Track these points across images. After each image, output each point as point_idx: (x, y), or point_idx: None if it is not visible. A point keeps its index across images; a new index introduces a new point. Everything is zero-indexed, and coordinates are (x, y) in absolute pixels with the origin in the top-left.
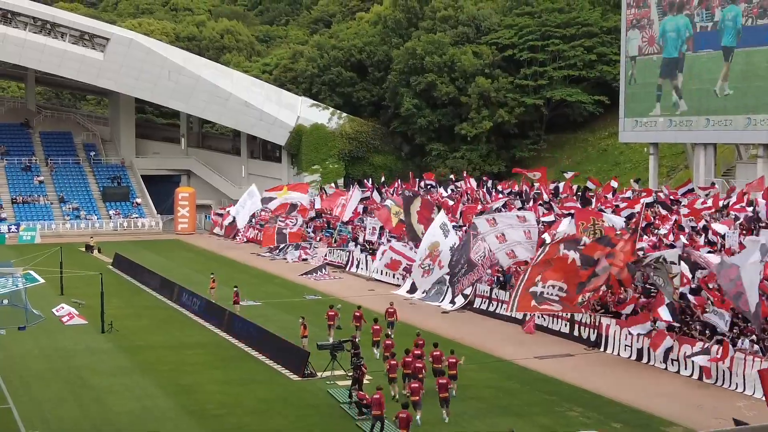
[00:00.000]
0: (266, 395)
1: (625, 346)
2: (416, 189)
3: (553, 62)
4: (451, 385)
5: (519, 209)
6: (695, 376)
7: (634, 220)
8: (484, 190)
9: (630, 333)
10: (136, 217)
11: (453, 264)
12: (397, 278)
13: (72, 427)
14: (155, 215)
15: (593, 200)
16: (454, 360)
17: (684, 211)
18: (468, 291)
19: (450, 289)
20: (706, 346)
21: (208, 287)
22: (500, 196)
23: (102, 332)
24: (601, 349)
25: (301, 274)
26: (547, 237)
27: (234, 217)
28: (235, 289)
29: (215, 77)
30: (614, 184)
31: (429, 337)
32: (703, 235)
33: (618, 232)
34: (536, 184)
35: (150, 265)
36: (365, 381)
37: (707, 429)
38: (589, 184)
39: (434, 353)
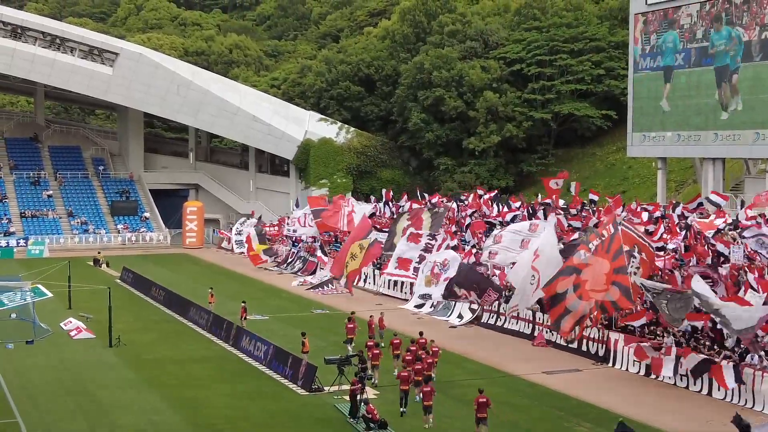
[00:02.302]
0: (273, 409)
1: (634, 361)
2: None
3: (561, 77)
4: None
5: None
6: (704, 391)
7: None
8: (491, 203)
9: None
10: (144, 231)
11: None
12: (405, 293)
13: None
14: (163, 229)
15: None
16: (436, 349)
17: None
18: (476, 306)
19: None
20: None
21: (207, 301)
22: (507, 210)
23: (110, 346)
24: (610, 364)
25: (308, 288)
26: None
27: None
28: (243, 304)
29: (223, 91)
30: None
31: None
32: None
33: (584, 255)
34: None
35: (158, 279)
36: (372, 396)
37: None
38: (592, 197)
39: (420, 341)
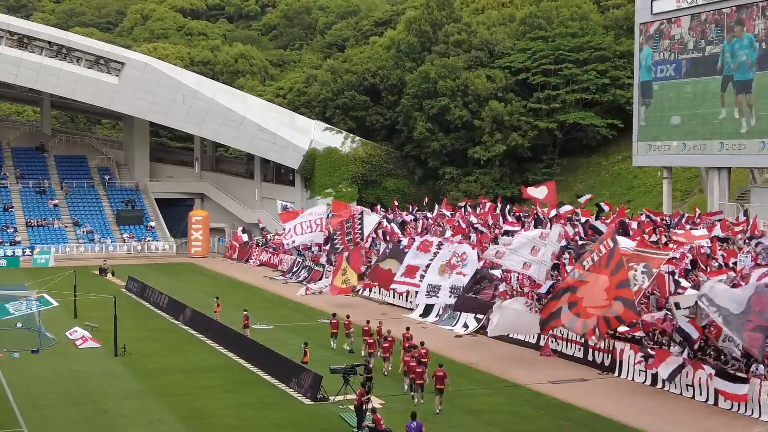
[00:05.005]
0: (279, 419)
1: (640, 371)
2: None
3: (566, 86)
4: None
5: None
6: (710, 401)
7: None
8: (498, 212)
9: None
10: (150, 241)
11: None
12: (410, 302)
13: None
14: (169, 238)
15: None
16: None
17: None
18: (481, 314)
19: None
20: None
21: (213, 310)
22: (511, 220)
23: (115, 355)
24: (616, 374)
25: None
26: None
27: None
28: (245, 312)
29: (229, 101)
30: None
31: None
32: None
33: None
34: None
35: (163, 289)
36: (378, 405)
37: None
38: (604, 207)
39: (406, 334)
